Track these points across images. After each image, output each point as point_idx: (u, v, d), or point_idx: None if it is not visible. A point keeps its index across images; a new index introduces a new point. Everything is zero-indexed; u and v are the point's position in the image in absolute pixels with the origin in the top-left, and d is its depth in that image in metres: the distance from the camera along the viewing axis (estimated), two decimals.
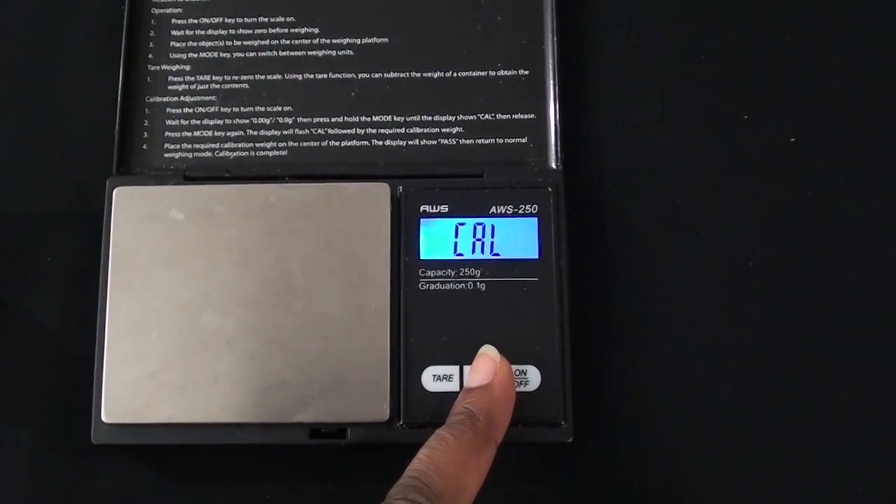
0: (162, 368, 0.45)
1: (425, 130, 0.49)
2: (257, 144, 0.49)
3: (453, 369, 0.45)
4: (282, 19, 0.51)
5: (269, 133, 0.49)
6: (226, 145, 0.49)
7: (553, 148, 0.49)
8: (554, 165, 0.48)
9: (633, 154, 0.50)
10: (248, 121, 0.50)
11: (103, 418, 0.45)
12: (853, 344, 0.48)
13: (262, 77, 0.50)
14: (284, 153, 0.49)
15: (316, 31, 0.51)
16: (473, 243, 0.46)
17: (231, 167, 0.49)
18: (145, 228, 0.47)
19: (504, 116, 0.49)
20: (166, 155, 0.49)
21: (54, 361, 0.48)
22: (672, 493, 0.46)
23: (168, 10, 0.51)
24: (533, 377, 0.45)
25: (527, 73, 0.50)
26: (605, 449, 0.46)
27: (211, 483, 0.46)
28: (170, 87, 0.50)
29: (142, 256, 0.46)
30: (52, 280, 0.48)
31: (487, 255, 0.46)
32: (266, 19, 0.51)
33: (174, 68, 0.50)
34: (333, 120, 0.49)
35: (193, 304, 0.46)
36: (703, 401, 0.47)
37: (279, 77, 0.50)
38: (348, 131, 0.49)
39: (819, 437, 0.46)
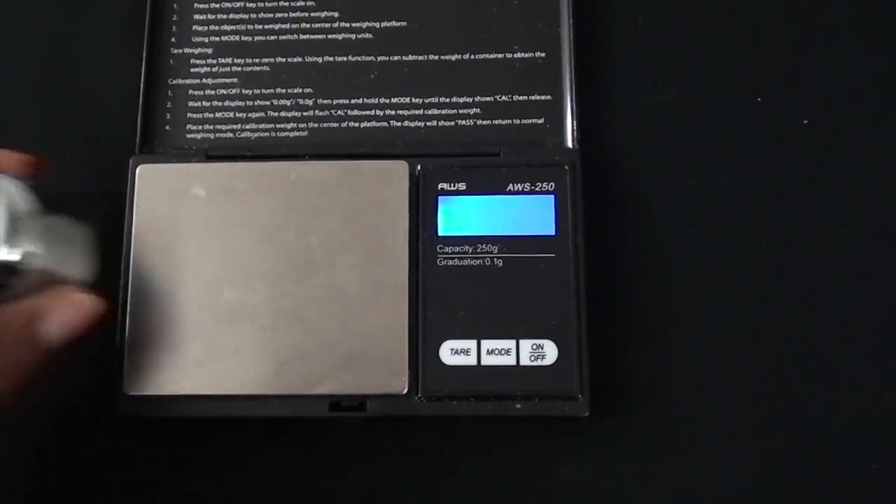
0: (184, 341, 0.46)
1: (443, 111, 0.50)
2: (278, 125, 0.50)
3: (471, 343, 0.45)
4: (302, 3, 0.52)
5: (289, 114, 0.50)
6: (247, 126, 0.50)
7: (569, 128, 0.49)
8: (570, 145, 0.49)
9: (648, 134, 0.50)
10: (268, 102, 0.50)
11: (125, 390, 0.45)
12: (868, 322, 0.48)
13: (283, 60, 0.51)
14: (304, 134, 0.50)
15: (336, 14, 0.51)
16: (491, 220, 0.47)
17: (252, 146, 0.49)
18: (167, 205, 0.47)
19: (521, 98, 0.50)
20: (189, 136, 0.50)
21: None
22: (690, 469, 0.46)
23: None
24: (550, 351, 0.45)
25: (543, 55, 0.50)
26: (622, 423, 0.46)
27: (231, 455, 0.47)
28: (192, 70, 0.51)
29: (164, 232, 0.47)
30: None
31: (505, 232, 0.47)
32: (287, 3, 0.52)
33: (196, 51, 0.51)
34: (353, 101, 0.50)
35: (214, 279, 0.46)
36: (719, 376, 0.47)
37: (299, 60, 0.51)
38: (367, 112, 0.50)
39: (835, 413, 0.47)
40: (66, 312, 0.42)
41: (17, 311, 0.41)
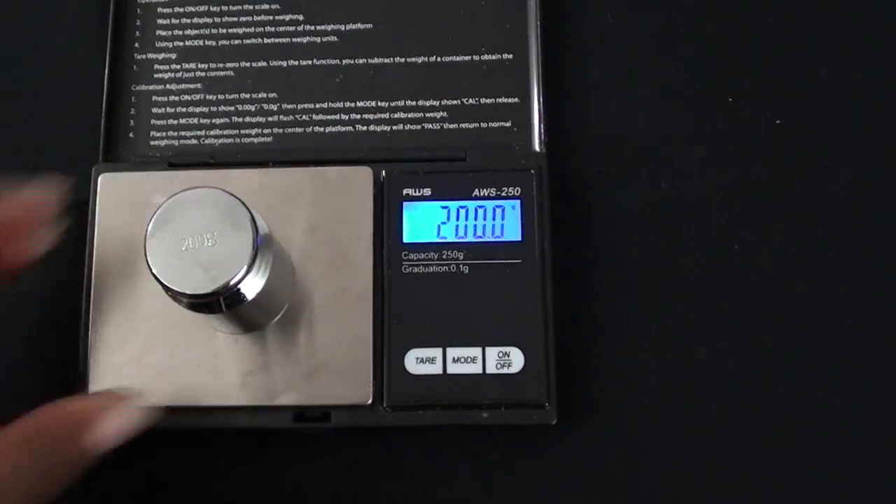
0: (147, 353, 0.45)
1: (409, 115, 0.49)
2: (242, 131, 0.49)
3: (436, 352, 0.45)
4: (266, 6, 0.51)
5: (254, 120, 0.50)
6: (211, 132, 0.49)
7: (537, 131, 0.48)
8: (537, 148, 0.48)
9: (617, 137, 0.50)
10: (233, 108, 0.50)
11: None
12: (840, 325, 0.47)
13: (248, 64, 0.50)
14: (269, 139, 0.49)
15: (300, 17, 0.51)
16: (456, 226, 0.46)
17: (216, 154, 0.49)
18: (129, 214, 0.47)
19: (488, 100, 0.49)
20: (152, 143, 0.49)
21: (41, 347, 0.48)
22: (658, 476, 0.46)
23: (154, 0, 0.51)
24: (516, 359, 0.45)
25: (510, 56, 0.50)
26: (589, 431, 0.46)
27: (196, 466, 0.46)
28: (156, 76, 0.50)
29: (127, 242, 0.46)
30: (39, 267, 0.46)
31: (470, 238, 0.46)
32: (251, 7, 0.51)
33: (160, 56, 0.51)
34: (318, 106, 0.49)
35: None
36: (688, 383, 0.47)
37: (264, 64, 0.50)
38: (333, 117, 0.49)
39: (807, 417, 0.46)
40: (115, 420, 0.40)
41: (65, 414, 0.39)
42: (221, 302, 0.40)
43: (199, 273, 0.39)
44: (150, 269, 0.39)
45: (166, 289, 0.39)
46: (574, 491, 0.46)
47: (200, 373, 0.45)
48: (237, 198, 0.40)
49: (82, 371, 0.45)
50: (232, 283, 0.39)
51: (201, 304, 0.40)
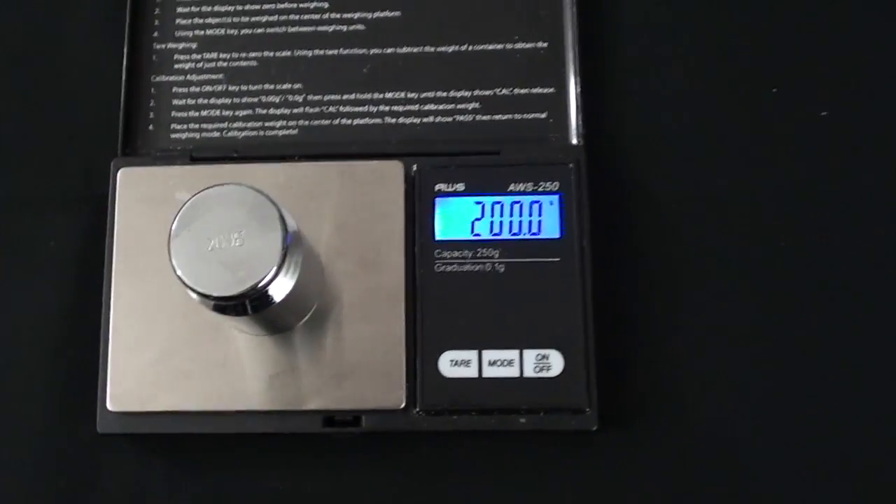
0: (168, 355, 0.44)
1: (440, 107, 0.48)
2: (266, 124, 0.48)
3: (472, 354, 0.43)
4: None
5: (278, 112, 0.48)
6: (234, 125, 0.48)
7: (574, 123, 0.47)
8: (575, 141, 0.47)
9: (657, 129, 0.48)
10: (256, 99, 0.48)
11: (109, 406, 0.44)
12: (887, 321, 0.45)
13: (271, 54, 0.49)
14: (295, 132, 0.48)
15: (325, 5, 0.49)
16: (491, 223, 0.45)
17: (239, 147, 0.47)
18: (150, 210, 0.45)
19: (522, 91, 0.48)
20: (173, 135, 0.48)
21: (58, 349, 0.46)
22: (702, 484, 0.44)
23: None
24: (556, 362, 0.43)
25: (545, 45, 0.48)
26: (632, 437, 0.45)
27: (220, 473, 0.45)
28: (176, 66, 0.49)
29: (147, 239, 0.45)
30: (57, 265, 0.47)
31: (506, 235, 0.45)
32: None
33: (180, 46, 0.49)
34: (345, 97, 0.48)
35: None
36: (734, 385, 0.45)
37: (288, 53, 0.49)
38: (360, 109, 0.48)
39: (855, 421, 0.44)
40: None
41: None
42: (248, 304, 0.38)
43: (225, 274, 0.37)
44: (175, 271, 0.37)
45: (192, 290, 0.37)
46: (615, 501, 0.44)
47: (225, 376, 0.44)
48: (265, 194, 0.38)
49: (102, 374, 0.44)
50: (260, 284, 0.37)
51: (228, 306, 0.38)
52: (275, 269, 0.37)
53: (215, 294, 0.37)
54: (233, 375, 0.44)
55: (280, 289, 0.39)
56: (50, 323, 0.47)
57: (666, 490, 0.44)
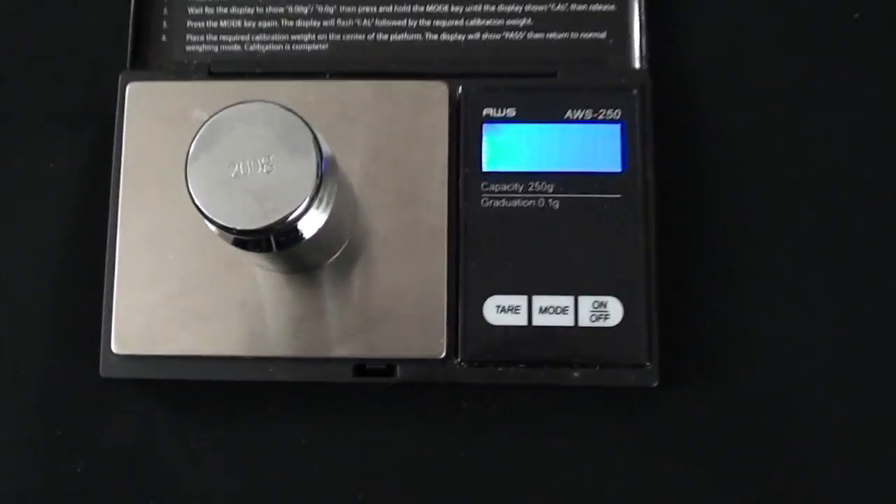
0: (181, 293, 0.42)
1: (488, 22, 0.45)
2: (293, 37, 0.45)
3: (521, 300, 0.41)
4: None
5: (307, 24, 0.45)
6: (257, 37, 0.45)
7: (637, 45, 0.44)
8: (638, 65, 0.44)
9: (727, 53, 0.45)
10: (283, 9, 0.45)
11: (113, 349, 0.41)
12: None
13: None
14: (325, 47, 0.45)
15: None
16: (545, 153, 0.42)
17: (263, 62, 0.45)
18: (163, 130, 0.43)
19: (580, 7, 0.45)
20: (188, 48, 0.45)
21: (59, 283, 0.44)
22: (767, 444, 0.42)
23: None
24: (614, 311, 0.41)
25: None
26: (694, 395, 0.43)
27: (236, 426, 0.43)
28: None
29: (159, 163, 0.43)
30: (58, 189, 0.45)
31: (562, 168, 0.42)
32: None
33: None
34: (382, 10, 0.45)
35: None
36: (804, 340, 0.42)
37: None
38: (399, 23, 0.45)
39: None
40: None
41: None
42: (273, 240, 0.35)
43: (251, 205, 0.34)
44: (193, 199, 0.34)
45: (211, 222, 0.34)
46: (675, 462, 0.42)
47: (244, 318, 0.41)
48: (298, 115, 0.35)
49: (106, 312, 0.42)
50: (291, 217, 0.34)
51: (250, 241, 0.35)
52: (307, 200, 0.34)
53: (239, 227, 0.34)
54: (253, 317, 0.41)
55: (311, 223, 0.35)
56: (49, 254, 0.44)
57: (728, 450, 0.42)
